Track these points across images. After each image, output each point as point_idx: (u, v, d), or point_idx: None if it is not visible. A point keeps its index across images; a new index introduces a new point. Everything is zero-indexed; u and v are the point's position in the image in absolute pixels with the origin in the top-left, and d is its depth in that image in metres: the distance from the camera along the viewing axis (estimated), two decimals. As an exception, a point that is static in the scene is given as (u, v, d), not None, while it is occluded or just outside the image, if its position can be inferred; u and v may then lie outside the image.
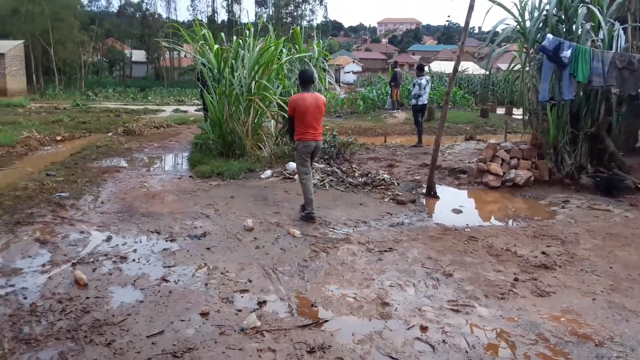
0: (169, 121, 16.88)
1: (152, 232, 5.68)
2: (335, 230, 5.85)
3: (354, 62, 65.98)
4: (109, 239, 5.43)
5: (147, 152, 11.53)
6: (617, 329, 3.68)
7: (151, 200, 7.00)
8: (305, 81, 6.14)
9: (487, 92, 30.34)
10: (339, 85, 38.36)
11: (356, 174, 8.21)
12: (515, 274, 4.67)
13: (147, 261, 4.82)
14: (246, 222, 5.84)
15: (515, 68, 10.46)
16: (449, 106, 22.41)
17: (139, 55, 51.70)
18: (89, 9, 46.72)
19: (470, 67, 38.17)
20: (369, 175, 8.13)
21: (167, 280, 4.36)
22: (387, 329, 3.63)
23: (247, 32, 10.02)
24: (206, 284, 4.31)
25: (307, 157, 6.15)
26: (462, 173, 8.93)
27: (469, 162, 9.63)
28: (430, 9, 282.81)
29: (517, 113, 20.77)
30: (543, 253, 5.21)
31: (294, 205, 6.72)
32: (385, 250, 5.19)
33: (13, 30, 36.80)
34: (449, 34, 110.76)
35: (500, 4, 8.40)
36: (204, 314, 3.75)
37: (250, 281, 4.39)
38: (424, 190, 7.76)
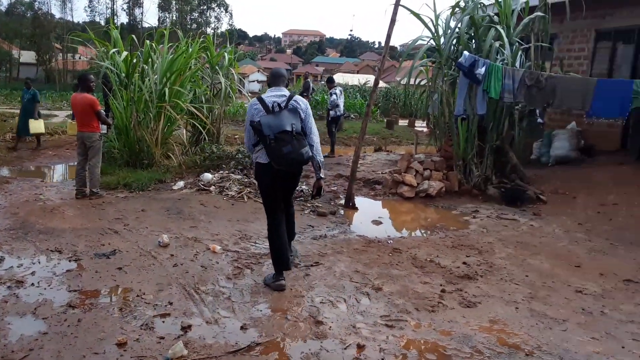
0: (64, 127, 15.64)
1: (52, 251, 5.11)
2: (257, 245, 5.60)
3: (258, 71, 65.74)
4: (1, 260, 4.79)
5: (41, 161, 10.57)
6: (542, 338, 3.77)
7: (49, 215, 6.34)
8: (80, 83, 7.49)
9: (389, 104, 31.32)
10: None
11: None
12: (441, 285, 4.68)
13: (49, 285, 4.29)
14: (161, 238, 5.43)
15: (422, 82, 10.81)
16: (355, 117, 22.88)
17: (27, 56, 47.94)
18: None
19: (371, 80, 39.43)
20: (287, 186, 7.95)
21: (74, 307, 3.88)
22: (324, 349, 3.45)
23: (160, 36, 9.51)
24: (121, 309, 3.90)
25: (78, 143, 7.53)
26: (377, 184, 9.01)
27: (382, 173, 9.76)
28: (333, 23, 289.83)
29: (419, 125, 21.67)
30: (464, 263, 5.30)
31: (211, 218, 6.39)
32: (312, 265, 5.03)
33: None
34: (351, 48, 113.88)
35: (422, 20, 8.63)
36: (121, 344, 3.36)
37: (170, 304, 4.04)
38: (342, 202, 7.73)
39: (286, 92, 4.41)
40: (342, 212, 7.36)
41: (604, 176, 8.73)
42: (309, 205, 7.31)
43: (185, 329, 3.65)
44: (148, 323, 3.70)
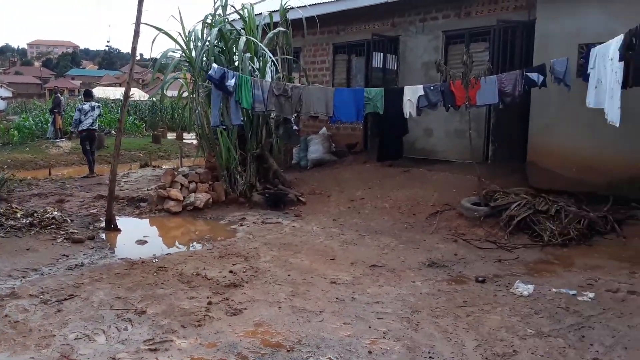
0: None
1: None
2: (-3, 286, 4.88)
3: (2, 86, 57.71)
4: None
5: None
6: (302, 331, 4.03)
7: None
8: None
9: (156, 118, 30.37)
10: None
11: (18, 215, 7.08)
12: (208, 297, 4.68)
13: None
14: None
15: (184, 95, 10.77)
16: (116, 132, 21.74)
17: None
18: None
19: (137, 93, 37.79)
20: (35, 214, 7.13)
21: None
22: (78, 390, 3.17)
23: None
24: None
25: None
26: (143, 201, 8.67)
27: (147, 190, 9.43)
28: (88, 33, 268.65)
29: (187, 137, 21.51)
30: (231, 272, 5.39)
31: None
32: (65, 299, 4.58)
33: None
34: (110, 60, 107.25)
35: (167, 34, 8.55)
36: None
37: None
38: (103, 224, 7.23)
39: None
40: (102, 235, 6.88)
41: (352, 175, 9.79)
42: (62, 232, 6.65)
43: None
44: None
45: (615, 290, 4.78)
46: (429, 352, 3.69)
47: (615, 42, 5.86)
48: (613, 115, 5.72)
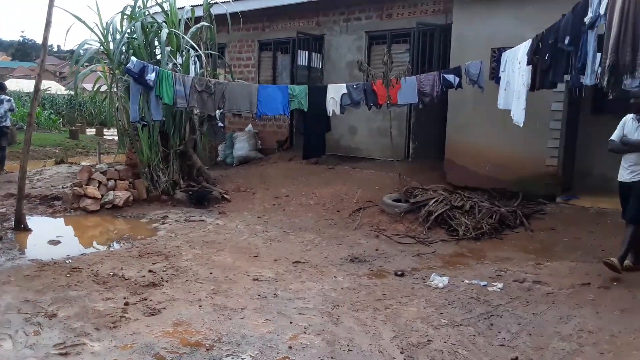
0: None
1: None
2: None
3: None
4: None
5: None
6: (223, 329, 4.00)
7: None
8: None
9: (74, 112, 28.93)
10: None
11: None
12: (125, 298, 4.54)
13: None
14: None
15: (102, 89, 10.35)
16: (34, 128, 20.57)
17: None
18: None
19: (53, 86, 35.88)
20: None
21: None
22: (-21, 400, 2.98)
23: None
24: None
25: None
26: (57, 200, 8.24)
27: (62, 188, 8.97)
28: (1, 22, 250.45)
29: (108, 133, 20.67)
30: (150, 271, 5.25)
31: None
32: (-33, 304, 4.29)
33: None
34: (24, 50, 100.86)
35: (83, 22, 8.19)
36: None
37: None
38: (12, 224, 6.82)
39: None
40: (11, 236, 6.49)
41: (278, 172, 9.81)
42: (-37, 234, 6.22)
43: None
44: None
45: (522, 280, 5.10)
46: (348, 345, 3.77)
47: (524, 47, 6.24)
48: (518, 116, 6.08)
